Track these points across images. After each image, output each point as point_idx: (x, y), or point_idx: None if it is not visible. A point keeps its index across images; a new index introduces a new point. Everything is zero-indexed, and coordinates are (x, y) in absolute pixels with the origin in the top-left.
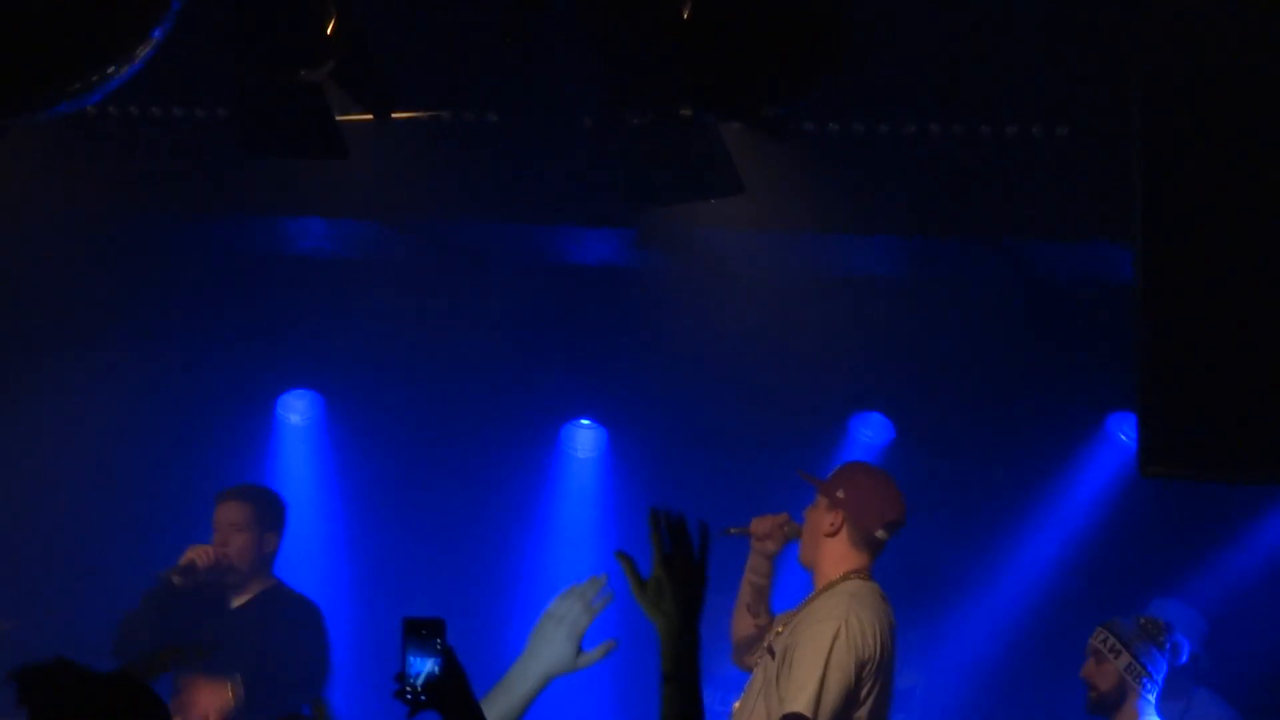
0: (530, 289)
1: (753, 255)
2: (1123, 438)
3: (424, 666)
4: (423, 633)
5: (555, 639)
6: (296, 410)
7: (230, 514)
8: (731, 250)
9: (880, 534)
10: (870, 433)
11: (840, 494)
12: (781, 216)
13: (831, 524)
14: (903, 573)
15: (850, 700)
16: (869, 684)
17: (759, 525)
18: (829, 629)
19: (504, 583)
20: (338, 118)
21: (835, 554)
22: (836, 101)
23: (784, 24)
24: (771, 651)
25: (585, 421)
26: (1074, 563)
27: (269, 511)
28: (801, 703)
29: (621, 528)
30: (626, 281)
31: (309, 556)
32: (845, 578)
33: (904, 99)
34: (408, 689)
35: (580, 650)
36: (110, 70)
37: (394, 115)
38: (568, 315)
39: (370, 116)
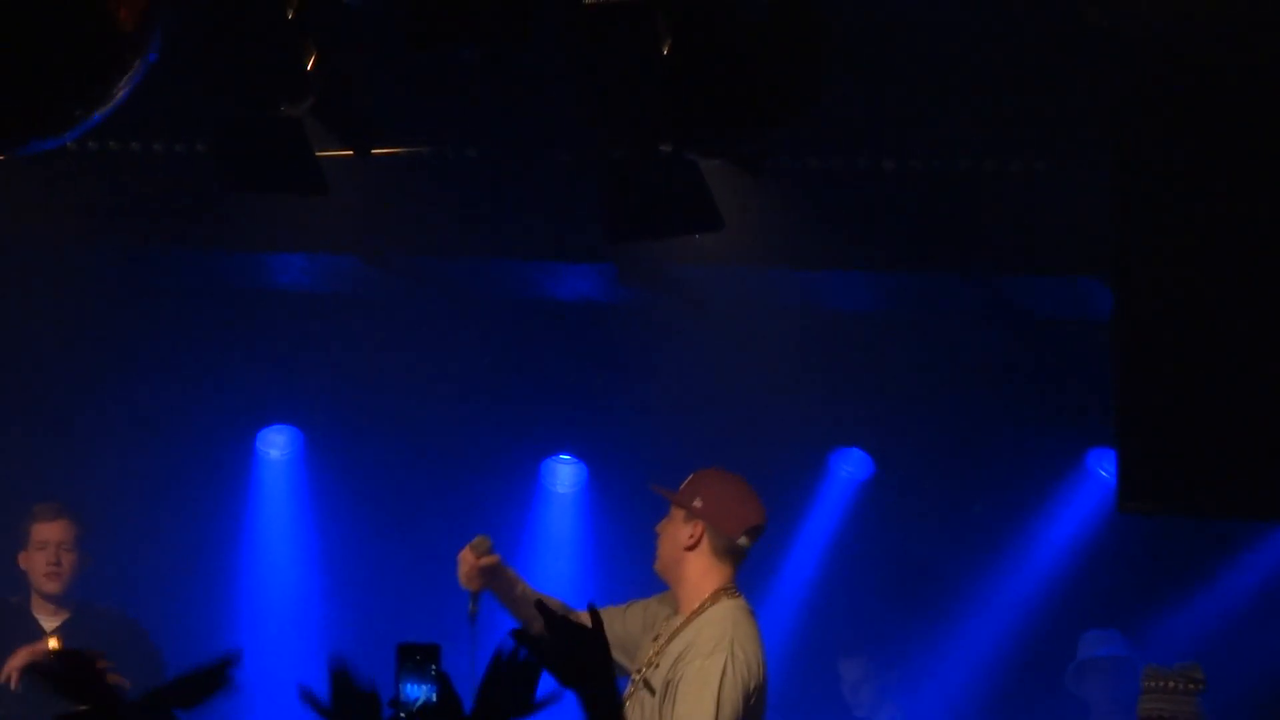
0: (510, 324)
1: (732, 290)
2: (1102, 473)
3: (419, 693)
4: (417, 658)
5: None
6: (276, 445)
7: (62, 532)
8: (711, 285)
9: (743, 541)
10: (850, 468)
11: (697, 504)
12: (761, 252)
13: (691, 536)
14: (882, 607)
15: None
16: (755, 711)
17: (463, 574)
18: (716, 663)
19: (483, 618)
20: (317, 153)
21: (699, 568)
22: (815, 137)
23: (763, 60)
24: (650, 688)
25: (565, 456)
26: (1052, 598)
27: (85, 530)
28: None
29: (601, 562)
30: (606, 316)
31: (287, 590)
32: (716, 597)
33: (882, 135)
34: (402, 716)
35: None
36: (90, 108)
37: (374, 150)
38: (547, 350)
39: (350, 152)
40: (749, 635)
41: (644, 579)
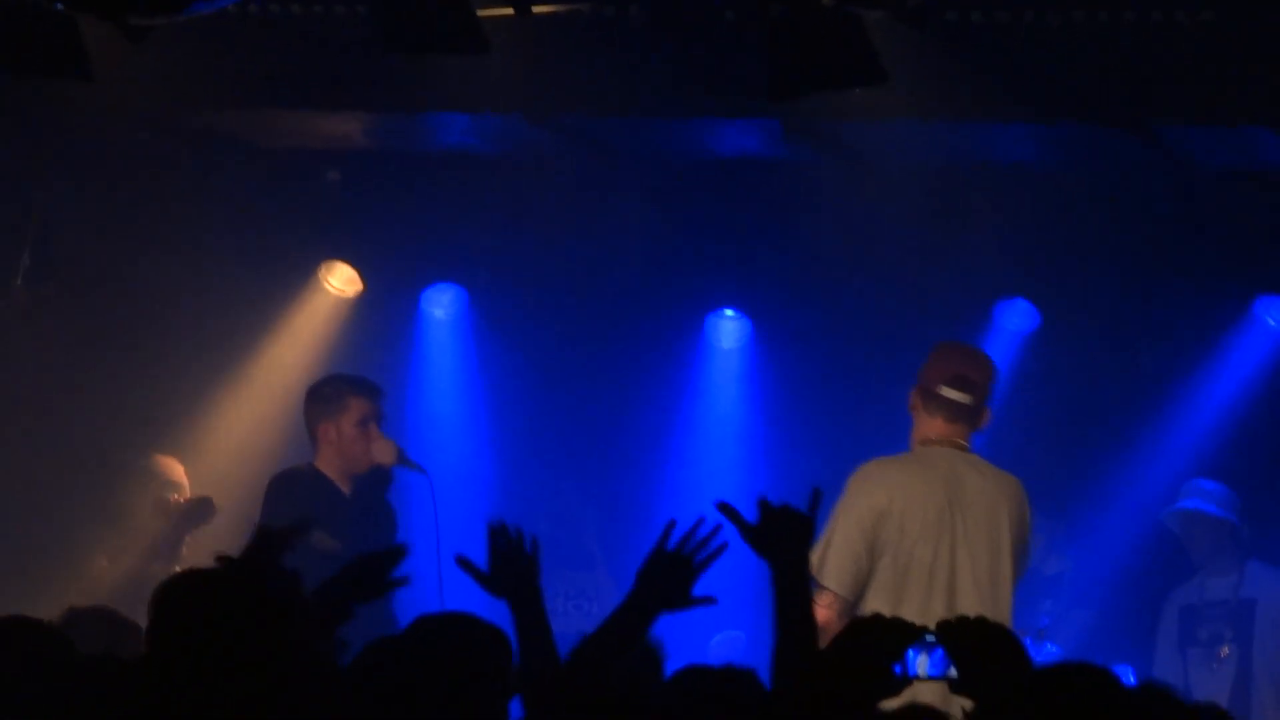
0: (673, 181)
1: (896, 145)
2: (1270, 321)
3: None
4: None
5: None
6: (441, 304)
7: (380, 410)
8: (875, 140)
9: (945, 391)
10: (1016, 319)
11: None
12: (925, 106)
13: (911, 402)
14: (1049, 460)
15: (857, 553)
16: (887, 541)
17: None
18: (849, 483)
19: (649, 472)
20: (478, 12)
21: (917, 427)
22: None
23: None
24: None
25: (729, 312)
26: (1220, 448)
27: None
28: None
29: (766, 417)
30: (769, 173)
31: (452, 449)
32: (913, 447)
33: None
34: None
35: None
36: None
37: (534, 9)
38: (711, 207)
39: (510, 11)
40: (910, 468)
41: (805, 431)
